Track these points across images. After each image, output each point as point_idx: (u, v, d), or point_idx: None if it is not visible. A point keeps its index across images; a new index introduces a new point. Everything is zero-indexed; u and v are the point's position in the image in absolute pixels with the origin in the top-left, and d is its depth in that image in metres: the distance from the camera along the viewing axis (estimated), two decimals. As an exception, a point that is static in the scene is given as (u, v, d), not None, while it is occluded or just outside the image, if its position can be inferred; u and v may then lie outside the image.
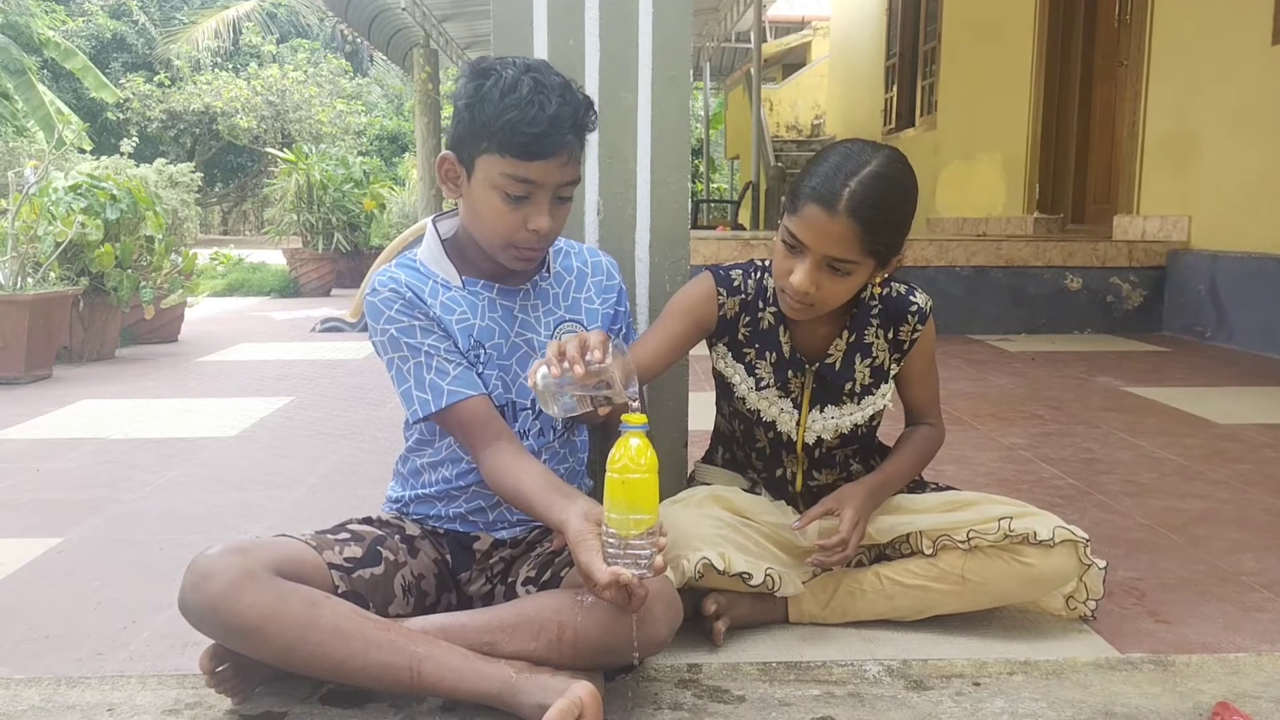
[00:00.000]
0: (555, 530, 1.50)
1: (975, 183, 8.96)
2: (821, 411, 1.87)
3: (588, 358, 1.43)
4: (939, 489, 1.99)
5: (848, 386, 1.86)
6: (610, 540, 1.39)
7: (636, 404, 1.45)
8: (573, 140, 1.59)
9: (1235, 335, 5.47)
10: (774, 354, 1.86)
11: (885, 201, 1.64)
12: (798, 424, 1.88)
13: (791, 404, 1.87)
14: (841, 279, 1.69)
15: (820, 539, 1.80)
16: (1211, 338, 5.65)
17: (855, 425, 1.88)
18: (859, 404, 1.87)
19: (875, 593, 1.83)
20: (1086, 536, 1.78)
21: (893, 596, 1.82)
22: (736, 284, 1.86)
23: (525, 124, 1.54)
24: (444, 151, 1.67)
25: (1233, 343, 5.47)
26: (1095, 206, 7.40)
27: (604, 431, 1.94)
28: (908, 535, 1.86)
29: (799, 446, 1.90)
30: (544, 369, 1.46)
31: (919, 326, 1.86)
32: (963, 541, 1.78)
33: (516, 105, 1.55)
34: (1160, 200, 6.27)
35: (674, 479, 2.09)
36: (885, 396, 1.89)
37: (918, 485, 2.01)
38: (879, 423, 1.95)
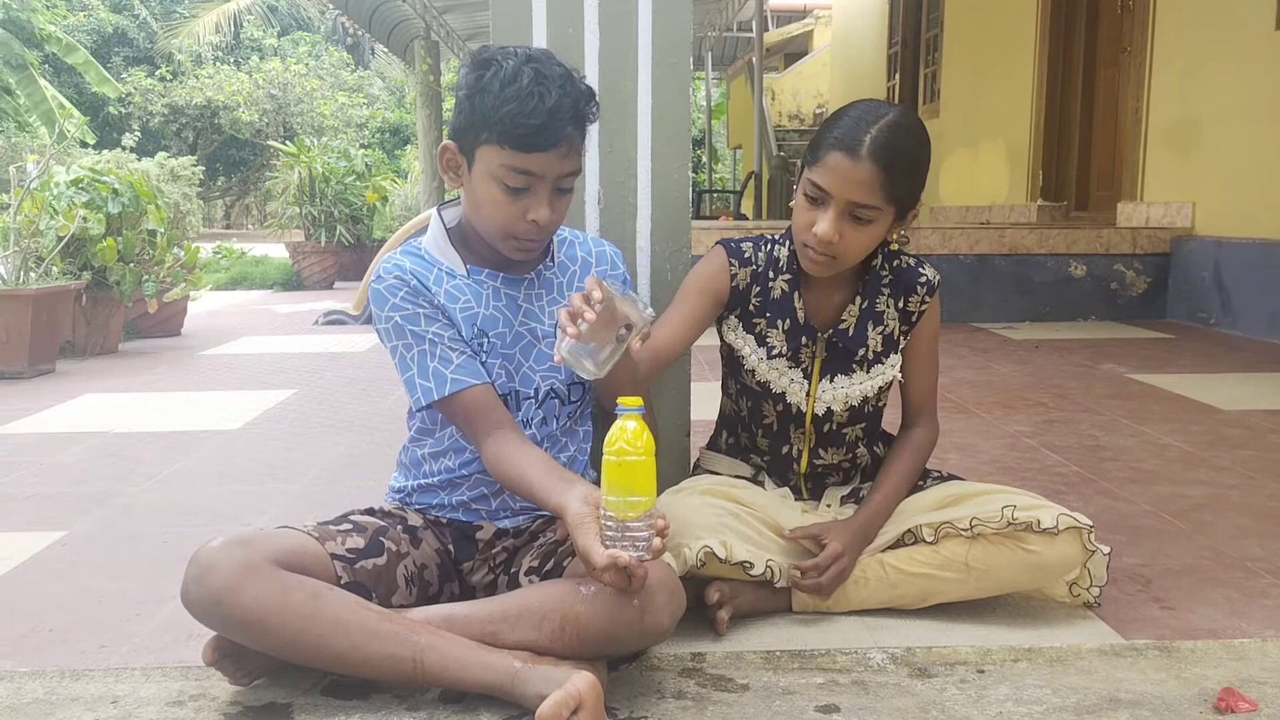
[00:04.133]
0: (555, 515, 1.50)
1: (978, 170, 8.93)
2: (831, 381, 1.88)
3: (594, 304, 1.45)
4: (940, 478, 1.98)
5: (860, 353, 1.87)
6: (608, 523, 1.39)
7: (650, 313, 1.50)
8: (573, 132, 1.58)
9: (1240, 321, 5.45)
10: (788, 321, 1.87)
11: (905, 147, 1.70)
12: (807, 395, 1.88)
13: (802, 374, 1.88)
14: (863, 228, 1.72)
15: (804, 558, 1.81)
16: (1216, 324, 5.63)
17: (865, 397, 1.88)
18: (868, 373, 1.89)
19: (879, 581, 1.83)
20: (1090, 523, 1.77)
21: (896, 585, 1.81)
22: (748, 255, 1.89)
23: (525, 115, 1.54)
24: (445, 141, 1.67)
25: (1238, 329, 5.46)
26: (1099, 193, 7.37)
27: (608, 421, 1.94)
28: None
29: (808, 419, 1.90)
30: (566, 341, 1.47)
31: (927, 298, 1.89)
32: (965, 530, 1.78)
33: (516, 96, 1.54)
34: (1164, 186, 6.24)
35: (676, 468, 2.09)
36: (894, 367, 1.90)
37: (919, 476, 2.01)
38: (885, 402, 1.96)
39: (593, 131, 2.04)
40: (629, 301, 1.50)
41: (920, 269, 1.90)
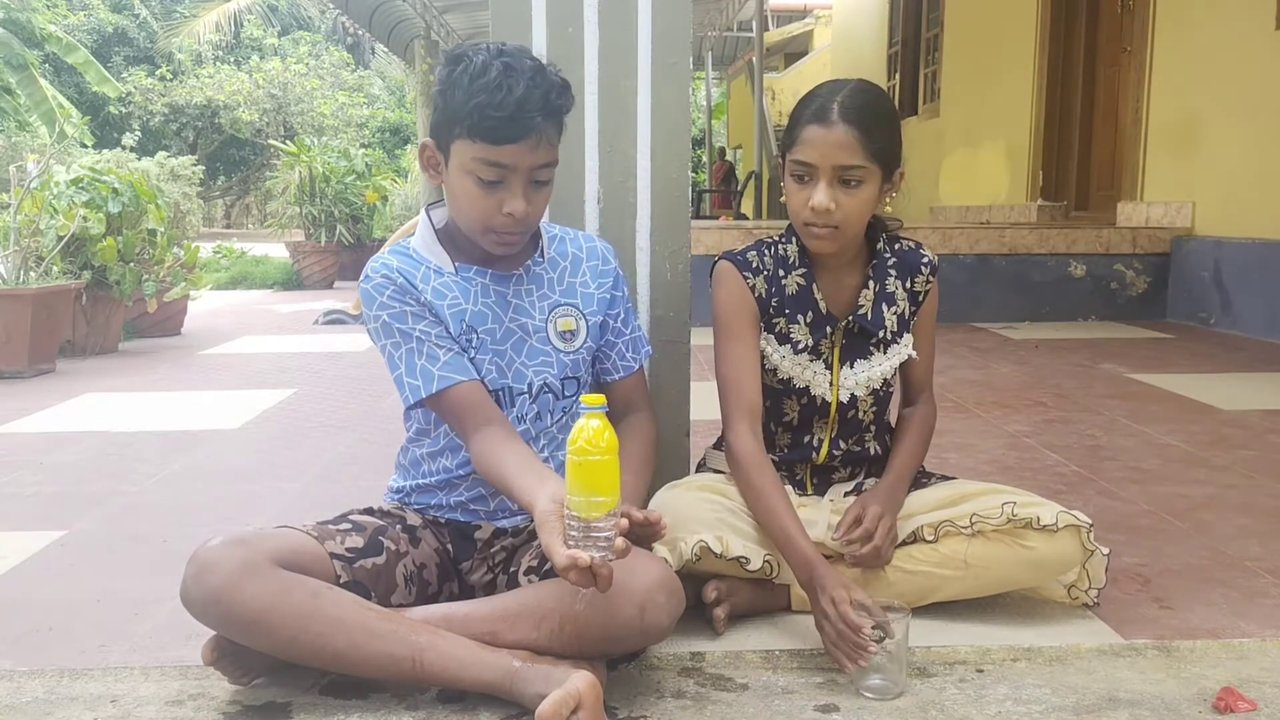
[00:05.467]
0: (528, 512, 1.50)
1: (979, 170, 8.93)
2: (852, 367, 1.91)
3: (868, 634, 1.54)
4: (943, 479, 1.99)
5: (880, 334, 1.91)
6: (572, 523, 1.37)
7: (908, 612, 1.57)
8: (542, 123, 1.58)
9: (1240, 321, 5.45)
10: (809, 313, 1.89)
11: (873, 105, 1.78)
12: (831, 384, 1.90)
13: (823, 365, 1.91)
14: (855, 191, 1.77)
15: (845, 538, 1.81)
16: (1216, 324, 5.63)
17: (884, 378, 1.92)
18: (886, 354, 1.92)
19: (877, 580, 1.82)
20: (1089, 521, 1.77)
21: (895, 583, 1.81)
22: (755, 264, 1.91)
23: (492, 108, 1.55)
24: (423, 139, 1.68)
25: (1237, 329, 5.46)
26: (1099, 193, 7.37)
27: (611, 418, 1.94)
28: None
29: (834, 407, 1.92)
30: (862, 677, 1.55)
31: (931, 278, 1.96)
32: (966, 526, 1.78)
33: (484, 90, 1.55)
34: (1164, 186, 6.24)
35: (677, 468, 2.09)
36: (908, 346, 1.94)
37: (920, 475, 2.01)
38: (894, 387, 2.00)
39: (592, 131, 2.05)
40: (882, 611, 1.56)
41: (920, 250, 1.97)
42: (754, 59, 12.21)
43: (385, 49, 12.36)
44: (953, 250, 6.05)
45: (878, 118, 1.77)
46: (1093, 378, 4.25)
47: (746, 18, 12.87)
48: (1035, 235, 6.12)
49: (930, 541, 1.81)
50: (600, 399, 1.39)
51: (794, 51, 18.01)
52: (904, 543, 1.86)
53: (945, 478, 2.00)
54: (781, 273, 1.90)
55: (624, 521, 1.39)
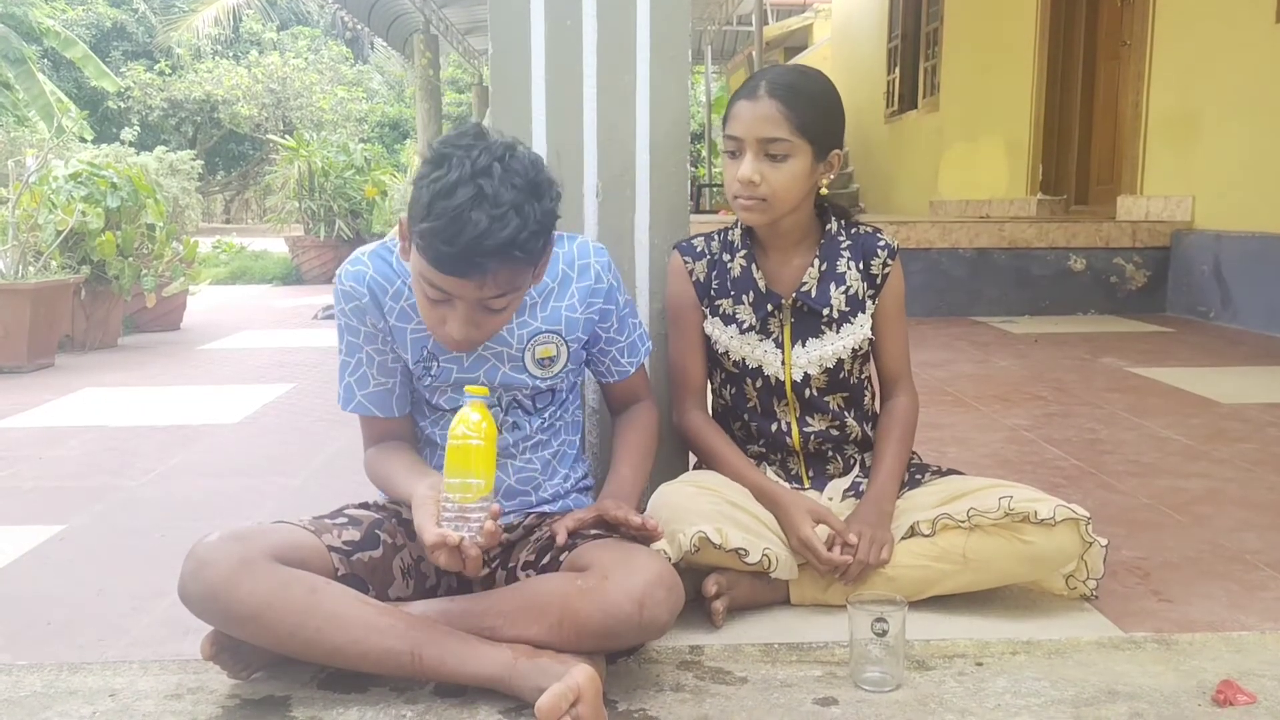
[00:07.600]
0: (404, 502, 1.56)
1: (978, 164, 8.92)
2: (804, 345, 1.94)
3: None
4: (939, 472, 1.99)
5: (825, 313, 1.92)
6: (447, 505, 1.45)
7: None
8: (496, 266, 1.44)
9: (1239, 315, 5.45)
10: (751, 293, 1.93)
11: (801, 83, 1.82)
12: (783, 363, 1.93)
13: (774, 344, 1.94)
14: (781, 165, 1.81)
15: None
16: (1216, 318, 5.63)
17: (839, 359, 1.93)
18: (838, 333, 1.94)
19: (876, 574, 1.82)
20: (1087, 514, 1.77)
21: (894, 578, 1.81)
22: (700, 249, 1.98)
23: (440, 240, 1.41)
24: (402, 214, 1.57)
25: (1237, 322, 5.45)
26: (1098, 187, 7.37)
27: (609, 411, 1.94)
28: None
29: (788, 386, 1.94)
30: (870, 675, 1.54)
31: (889, 261, 1.96)
32: (963, 521, 1.78)
33: (442, 214, 1.41)
34: (1164, 180, 6.24)
35: (676, 463, 2.09)
36: (864, 327, 1.95)
37: (918, 470, 2.01)
38: (867, 374, 2.01)
39: (591, 124, 2.05)
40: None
41: (879, 234, 1.98)
42: (753, 53, 12.20)
43: (384, 43, 12.35)
44: (952, 244, 6.04)
45: (806, 95, 1.81)
46: (1092, 372, 4.25)
47: (746, 12, 12.86)
48: (1035, 229, 6.11)
49: (928, 535, 1.81)
50: (484, 390, 1.48)
51: (793, 46, 17.97)
52: (901, 538, 1.86)
53: (940, 471, 2.00)
54: (727, 256, 1.96)
55: (496, 507, 1.44)
